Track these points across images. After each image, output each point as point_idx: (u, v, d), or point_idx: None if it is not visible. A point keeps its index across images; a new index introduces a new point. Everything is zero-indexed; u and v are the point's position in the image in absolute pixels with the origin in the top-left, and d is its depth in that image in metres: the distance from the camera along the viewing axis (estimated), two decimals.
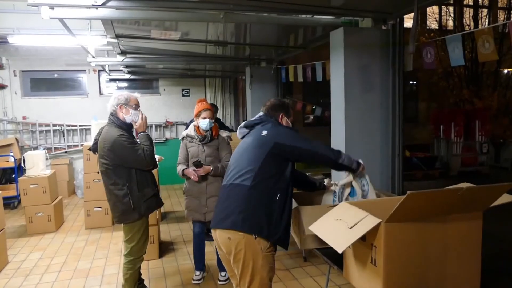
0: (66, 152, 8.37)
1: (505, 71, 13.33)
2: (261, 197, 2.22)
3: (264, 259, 2.20)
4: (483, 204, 1.85)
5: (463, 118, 10.12)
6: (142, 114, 3.22)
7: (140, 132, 3.20)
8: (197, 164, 3.55)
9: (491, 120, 11.27)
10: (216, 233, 2.32)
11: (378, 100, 3.87)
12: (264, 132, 2.35)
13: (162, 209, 6.13)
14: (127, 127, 3.16)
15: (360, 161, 2.46)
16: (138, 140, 3.17)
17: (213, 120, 3.70)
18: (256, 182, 2.23)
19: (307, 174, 3.01)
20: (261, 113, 2.56)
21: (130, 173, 3.09)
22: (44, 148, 7.05)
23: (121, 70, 7.77)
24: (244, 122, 2.55)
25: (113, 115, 3.15)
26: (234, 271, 2.32)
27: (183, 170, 3.65)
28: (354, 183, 2.53)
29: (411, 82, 13.58)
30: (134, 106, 3.16)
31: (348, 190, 2.64)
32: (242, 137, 2.56)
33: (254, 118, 2.53)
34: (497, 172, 9.80)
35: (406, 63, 3.74)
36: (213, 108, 4.76)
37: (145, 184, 3.17)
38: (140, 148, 3.08)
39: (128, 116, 3.15)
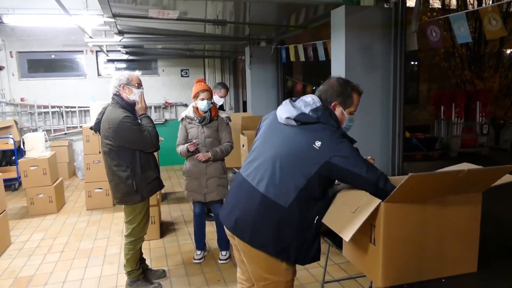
0: (65, 133, 8.36)
1: (508, 51, 13.19)
2: (297, 223, 1.89)
3: (288, 265, 2.00)
4: (483, 186, 1.85)
5: (464, 99, 10.06)
6: (142, 97, 3.18)
7: (142, 115, 3.19)
8: (195, 152, 3.59)
9: (492, 101, 11.21)
10: (236, 240, 2.06)
11: (379, 80, 3.84)
12: (317, 144, 1.84)
13: (163, 190, 6.16)
14: (131, 108, 3.14)
15: None
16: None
17: (212, 101, 3.67)
18: (295, 204, 1.87)
19: None
20: (317, 101, 1.98)
21: (134, 155, 3.09)
22: (43, 130, 7.03)
23: (119, 51, 7.70)
24: (295, 112, 1.95)
25: (117, 96, 3.12)
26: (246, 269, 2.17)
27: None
28: None
29: (412, 63, 13.47)
30: (136, 85, 3.13)
31: None
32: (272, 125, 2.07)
33: (307, 111, 1.93)
34: (497, 153, 9.82)
35: (410, 42, 3.69)
36: (221, 86, 4.77)
37: (148, 167, 3.18)
38: (145, 130, 3.07)
39: (132, 95, 3.12)
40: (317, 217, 1.92)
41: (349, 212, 1.81)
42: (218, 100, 5.11)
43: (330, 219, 1.92)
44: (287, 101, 2.06)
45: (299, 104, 1.99)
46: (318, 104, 1.96)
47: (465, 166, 2.07)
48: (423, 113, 12.72)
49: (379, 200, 1.73)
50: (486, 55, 12.77)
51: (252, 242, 1.95)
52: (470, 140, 9.80)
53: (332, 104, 2.00)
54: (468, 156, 9.20)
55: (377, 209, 1.74)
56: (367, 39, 3.74)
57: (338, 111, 2.01)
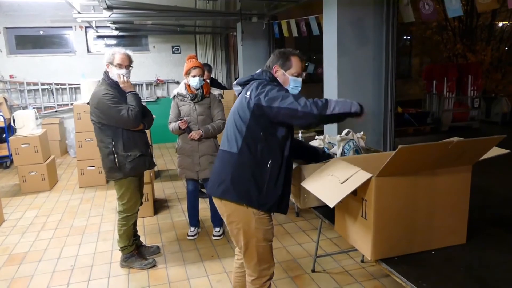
0: (56, 111, 8.27)
1: (500, 24, 13.13)
2: (249, 165, 2.08)
3: (257, 222, 2.13)
4: (473, 158, 1.87)
5: (455, 73, 10.08)
6: (121, 76, 3.10)
7: (128, 92, 3.15)
8: (187, 130, 3.58)
9: (483, 74, 11.23)
10: (214, 200, 2.27)
11: (371, 55, 3.82)
12: (248, 94, 2.11)
13: (156, 168, 6.17)
14: (117, 86, 3.11)
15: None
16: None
17: (203, 78, 3.63)
18: (243, 149, 2.08)
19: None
20: (258, 70, 2.28)
21: (117, 131, 3.09)
22: (34, 108, 6.94)
23: (109, 27, 7.54)
24: (237, 79, 2.32)
25: (105, 73, 3.12)
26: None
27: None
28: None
29: (404, 37, 13.37)
30: (117, 65, 3.08)
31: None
32: (239, 94, 2.32)
33: (249, 75, 2.28)
34: (488, 126, 9.91)
35: (405, 14, 3.65)
36: (205, 67, 4.71)
37: (132, 144, 3.15)
38: (123, 108, 3.03)
39: (113, 76, 3.10)
40: (270, 161, 2.07)
41: (337, 183, 1.84)
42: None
43: (316, 187, 1.95)
44: None
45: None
46: (258, 71, 2.23)
47: (455, 139, 2.09)
48: (415, 88, 12.72)
49: (370, 174, 1.75)
50: (478, 28, 12.72)
51: (218, 193, 2.16)
52: (462, 114, 9.87)
53: (273, 67, 2.20)
54: (460, 130, 9.29)
55: (367, 183, 1.76)
56: (360, 13, 3.70)
57: (279, 73, 2.19)
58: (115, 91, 3.08)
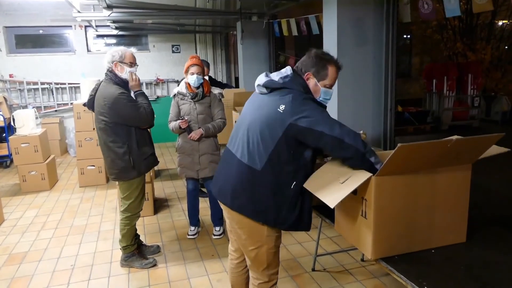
0: (56, 111, 8.25)
1: (500, 23, 13.12)
2: (271, 186, 1.94)
3: (269, 230, 2.05)
4: (472, 156, 1.87)
5: (455, 72, 10.07)
6: (133, 74, 3.13)
7: (136, 91, 3.15)
8: (187, 129, 3.57)
9: (483, 73, 11.22)
10: (221, 204, 2.17)
11: (371, 54, 3.82)
12: (281, 107, 1.87)
13: (156, 167, 6.16)
14: (124, 84, 3.11)
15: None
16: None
17: (202, 76, 3.62)
18: (267, 168, 1.92)
19: None
20: (289, 70, 2.02)
21: (130, 131, 3.08)
22: (34, 107, 6.94)
23: (109, 26, 7.53)
24: (265, 79, 2.01)
25: (111, 72, 3.08)
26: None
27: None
28: None
29: (404, 36, 13.36)
30: (129, 63, 3.09)
31: None
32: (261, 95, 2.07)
33: (277, 78, 1.98)
34: (488, 125, 9.91)
35: (403, 14, 3.65)
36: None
37: (144, 142, 3.18)
38: (141, 106, 3.06)
39: (123, 74, 3.09)
40: (294, 182, 1.95)
41: (337, 183, 1.83)
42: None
43: (316, 187, 1.93)
44: (264, 72, 2.10)
45: (273, 74, 2.04)
46: (289, 73, 2.00)
47: (455, 138, 2.09)
48: (415, 87, 12.72)
49: (370, 174, 1.75)
50: (478, 26, 12.70)
51: (232, 205, 2.04)
52: (462, 113, 9.87)
53: (306, 74, 1.99)
54: (460, 128, 9.28)
55: (367, 182, 1.76)
56: (360, 12, 3.69)
57: (311, 82, 2.00)
58: (125, 90, 3.08)
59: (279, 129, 1.87)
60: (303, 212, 2.03)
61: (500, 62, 12.67)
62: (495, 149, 2.03)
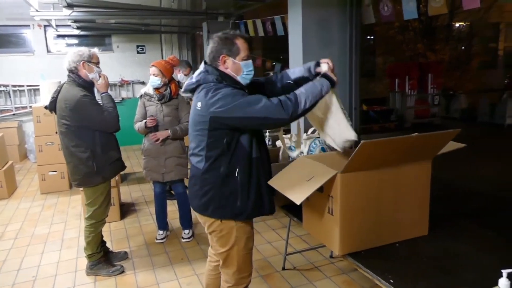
0: (14, 114, 7.91)
1: (457, 24, 13.68)
2: (216, 181, 1.98)
3: (238, 231, 2.06)
4: (432, 151, 1.94)
5: (417, 72, 10.41)
6: (103, 73, 3.04)
7: (103, 93, 3.05)
8: (152, 130, 3.52)
9: (443, 73, 11.65)
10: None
11: (336, 54, 3.87)
12: (199, 105, 1.93)
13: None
14: (89, 86, 3.00)
15: (328, 75, 1.96)
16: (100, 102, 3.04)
17: (166, 79, 3.53)
18: (208, 164, 1.97)
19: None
20: (202, 66, 2.04)
21: (94, 135, 2.96)
22: None
23: (70, 26, 7.30)
24: (184, 85, 2.10)
25: (74, 73, 2.95)
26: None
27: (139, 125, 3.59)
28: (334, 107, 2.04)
29: (368, 37, 13.68)
30: (97, 63, 3.00)
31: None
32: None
33: (194, 79, 2.02)
34: (448, 122, 10.28)
35: (366, 15, 3.73)
36: (183, 63, 4.65)
37: (110, 147, 3.08)
38: (105, 110, 2.95)
39: (91, 74, 2.98)
40: (237, 169, 1.96)
41: (303, 181, 1.85)
42: (182, 78, 4.99)
43: (282, 185, 1.96)
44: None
45: (194, 74, 2.07)
46: (202, 68, 2.02)
47: (415, 135, 2.16)
48: (380, 86, 13.04)
49: (335, 171, 1.77)
50: (437, 28, 13.18)
51: (195, 207, 2.12)
52: (423, 111, 10.22)
53: (221, 58, 1.98)
54: (422, 126, 9.60)
55: (333, 179, 1.78)
56: (324, 13, 3.74)
57: (229, 62, 1.98)
58: (88, 92, 2.97)
59: (204, 125, 1.93)
60: (261, 197, 2.04)
61: (458, 62, 13.20)
62: (452, 145, 2.11)
